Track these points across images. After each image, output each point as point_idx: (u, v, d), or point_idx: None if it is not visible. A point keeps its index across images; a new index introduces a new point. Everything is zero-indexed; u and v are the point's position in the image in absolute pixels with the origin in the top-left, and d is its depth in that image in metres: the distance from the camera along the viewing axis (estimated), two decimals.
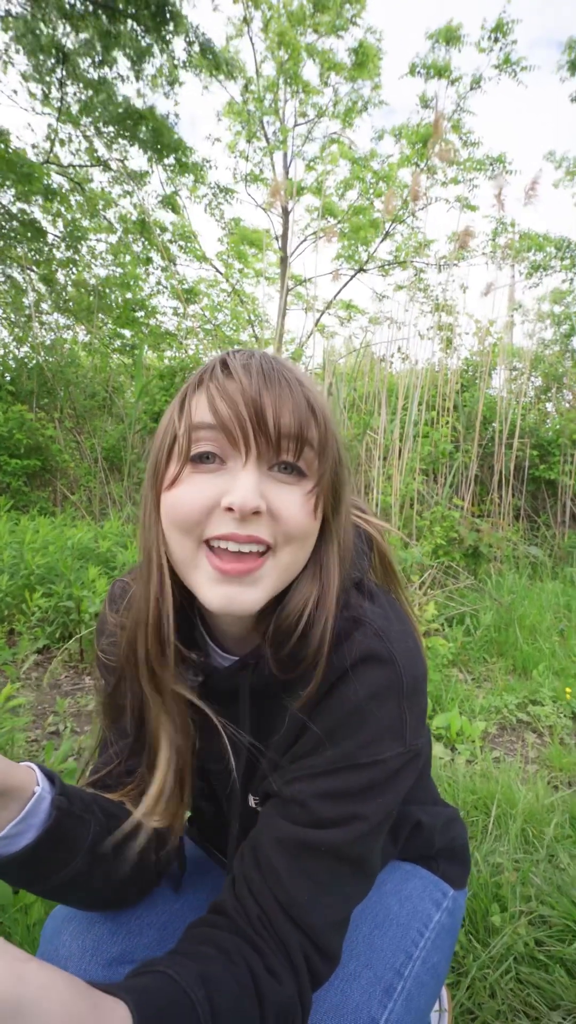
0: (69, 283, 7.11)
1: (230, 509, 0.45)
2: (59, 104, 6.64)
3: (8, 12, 5.75)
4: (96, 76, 6.33)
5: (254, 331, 8.43)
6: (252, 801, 0.60)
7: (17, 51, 6.10)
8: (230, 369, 0.48)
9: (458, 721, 1.95)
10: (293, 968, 0.45)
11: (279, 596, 0.51)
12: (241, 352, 0.51)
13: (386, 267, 8.82)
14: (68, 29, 5.88)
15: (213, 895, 0.67)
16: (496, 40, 8.06)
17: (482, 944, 1.07)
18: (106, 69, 6.24)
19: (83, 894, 0.54)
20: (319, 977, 0.47)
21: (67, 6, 5.55)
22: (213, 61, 6.59)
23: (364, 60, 8.86)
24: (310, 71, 9.14)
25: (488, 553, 3.54)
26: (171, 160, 7.56)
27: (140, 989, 0.39)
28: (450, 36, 8.23)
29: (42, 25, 5.71)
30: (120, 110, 6.43)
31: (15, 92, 8.51)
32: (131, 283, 7.50)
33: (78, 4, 5.54)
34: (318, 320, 8.14)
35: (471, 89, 8.41)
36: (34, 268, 6.72)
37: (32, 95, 6.81)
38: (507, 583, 3.41)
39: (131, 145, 7.12)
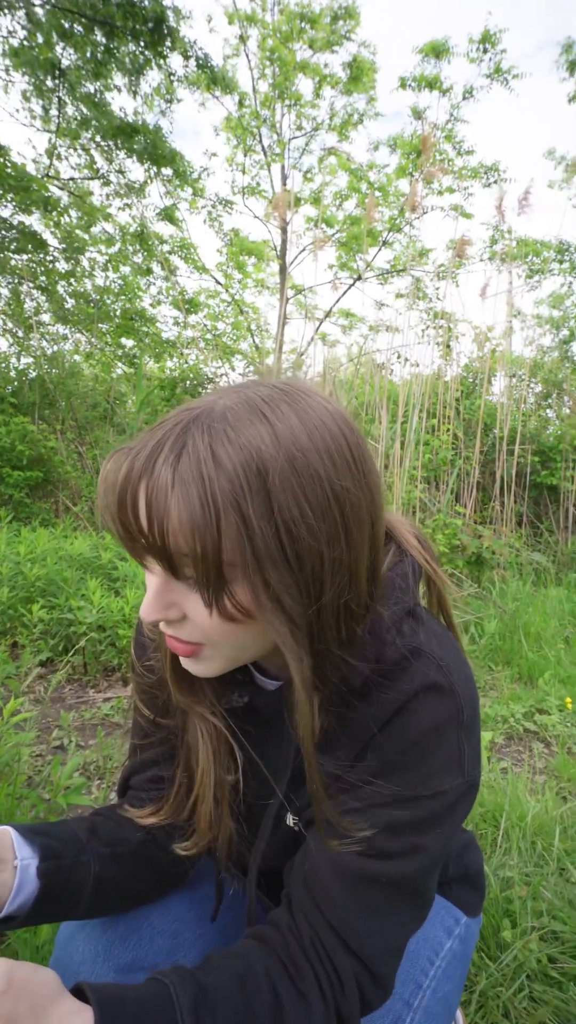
0: (67, 295, 7.16)
1: None
2: (57, 120, 6.73)
3: (10, 33, 5.84)
4: (92, 90, 6.41)
5: (254, 341, 8.49)
6: (291, 820, 0.59)
7: (18, 72, 6.20)
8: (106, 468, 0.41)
9: None
10: (344, 992, 0.45)
11: None
12: (159, 427, 0.41)
13: (385, 275, 8.88)
14: (64, 47, 5.97)
15: (226, 909, 0.67)
16: (485, 51, 8.14)
17: (493, 960, 1.05)
18: (101, 83, 6.32)
19: (102, 912, 0.57)
20: (370, 1004, 0.47)
21: (64, 27, 5.63)
22: (210, 76, 6.67)
23: (359, 74, 8.98)
24: (305, 85, 9.21)
25: (491, 560, 3.53)
26: (169, 172, 7.65)
27: (116, 999, 0.39)
28: (438, 50, 8.32)
29: (39, 45, 5.79)
30: (116, 124, 6.51)
31: (16, 111, 8.62)
32: (130, 295, 7.55)
33: (76, 25, 5.62)
34: (318, 328, 8.18)
35: (463, 99, 8.50)
36: (31, 281, 6.77)
37: (32, 113, 6.91)
38: (511, 590, 3.40)
39: (128, 157, 7.21)
